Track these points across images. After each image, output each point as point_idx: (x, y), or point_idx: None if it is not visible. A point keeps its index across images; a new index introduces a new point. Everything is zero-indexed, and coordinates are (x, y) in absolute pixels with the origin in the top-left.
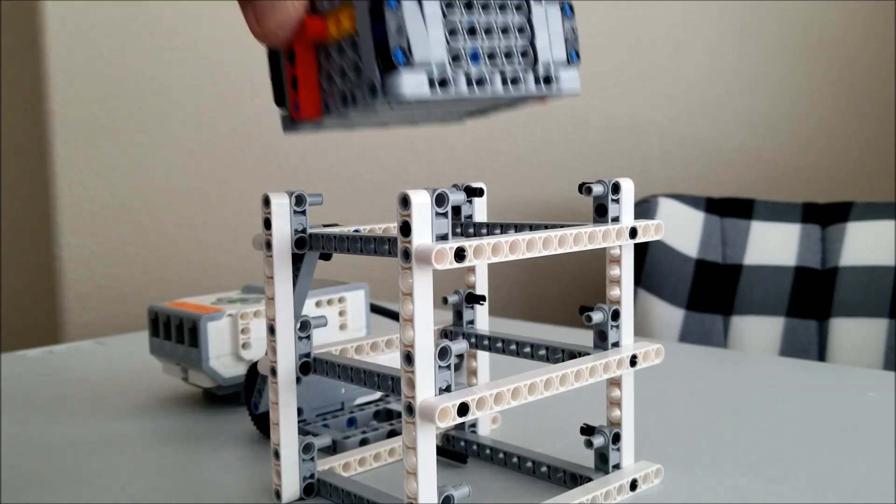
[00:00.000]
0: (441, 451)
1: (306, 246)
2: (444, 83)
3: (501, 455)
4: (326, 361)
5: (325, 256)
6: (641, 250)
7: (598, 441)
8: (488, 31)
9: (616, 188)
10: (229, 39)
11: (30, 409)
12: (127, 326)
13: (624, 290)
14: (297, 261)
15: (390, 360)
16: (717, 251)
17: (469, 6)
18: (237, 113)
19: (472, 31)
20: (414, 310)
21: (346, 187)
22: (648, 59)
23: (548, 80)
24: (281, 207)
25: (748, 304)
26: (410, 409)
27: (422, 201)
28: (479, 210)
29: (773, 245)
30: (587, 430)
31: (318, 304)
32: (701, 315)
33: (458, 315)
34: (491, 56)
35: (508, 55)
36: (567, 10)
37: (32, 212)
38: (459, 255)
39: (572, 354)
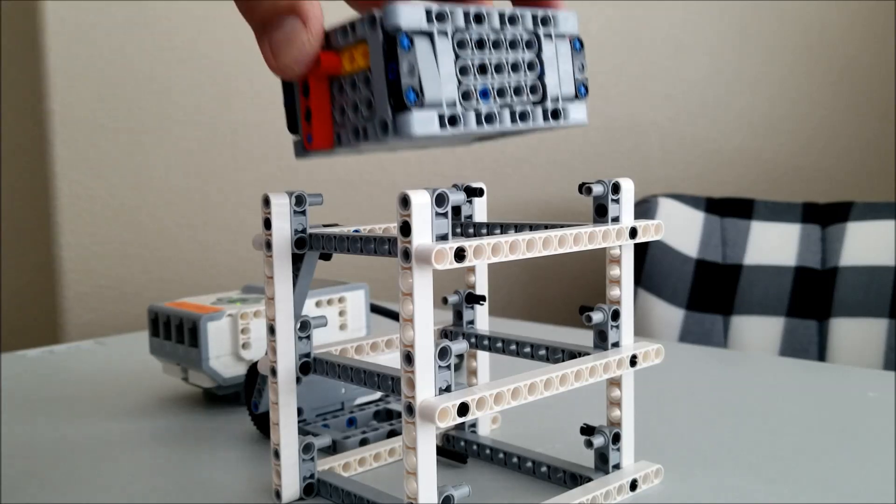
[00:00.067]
0: (441, 451)
1: (306, 246)
2: (453, 120)
3: (501, 455)
4: (326, 361)
5: (325, 256)
6: (641, 250)
7: (598, 441)
8: (498, 69)
9: (616, 188)
10: (229, 39)
11: (30, 409)
12: (127, 326)
13: (624, 290)
14: (297, 261)
15: (390, 360)
16: (717, 251)
17: (480, 44)
18: (237, 113)
19: (482, 69)
20: (414, 310)
21: (346, 187)
22: (648, 59)
23: (556, 114)
24: (281, 207)
25: (748, 304)
26: (410, 409)
27: (422, 201)
28: (479, 210)
29: (773, 245)
30: (587, 430)
31: (318, 304)
32: (701, 315)
33: (458, 315)
34: (500, 92)
35: (518, 91)
36: (577, 45)
37: (32, 212)
38: (459, 255)
39: (572, 354)
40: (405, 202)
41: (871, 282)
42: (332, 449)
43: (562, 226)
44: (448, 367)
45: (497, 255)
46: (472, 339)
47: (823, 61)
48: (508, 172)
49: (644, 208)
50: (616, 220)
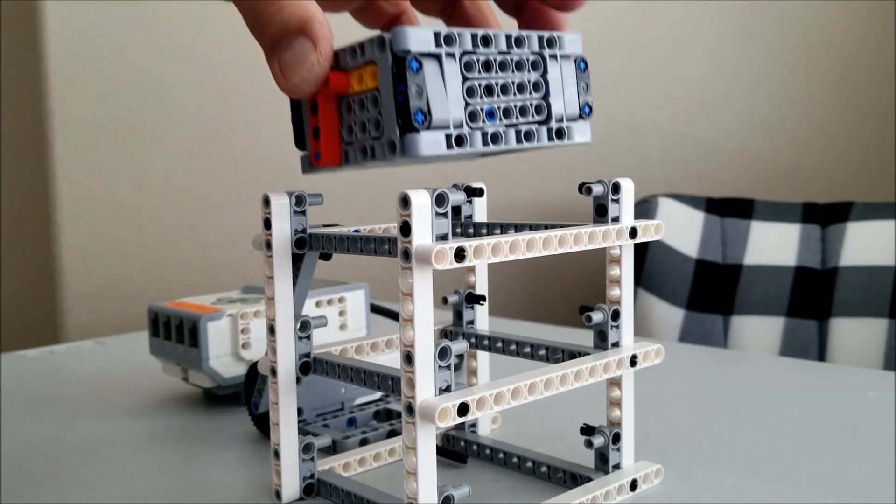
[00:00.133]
0: (441, 451)
1: (306, 246)
2: (460, 141)
3: (501, 455)
4: (326, 361)
5: (325, 256)
6: (641, 250)
7: (598, 441)
8: (505, 90)
9: (616, 188)
10: (229, 39)
11: (30, 409)
12: (127, 326)
13: (624, 290)
14: (297, 261)
15: (390, 360)
16: (717, 251)
17: (487, 66)
18: (237, 113)
19: (489, 90)
20: (414, 310)
21: (346, 187)
22: (648, 59)
23: (560, 133)
24: (281, 207)
25: (748, 304)
26: (410, 409)
27: (422, 201)
28: (479, 210)
29: (773, 245)
30: (587, 430)
31: (318, 304)
32: (701, 315)
33: (458, 315)
34: (506, 113)
35: (523, 111)
36: (581, 66)
37: (32, 212)
38: (459, 255)
39: (572, 354)
40: (405, 202)
41: (871, 282)
42: (332, 449)
43: (562, 226)
44: (448, 367)
45: (497, 255)
46: (472, 339)
47: (823, 61)
48: (508, 172)
49: (644, 208)
50: (616, 220)
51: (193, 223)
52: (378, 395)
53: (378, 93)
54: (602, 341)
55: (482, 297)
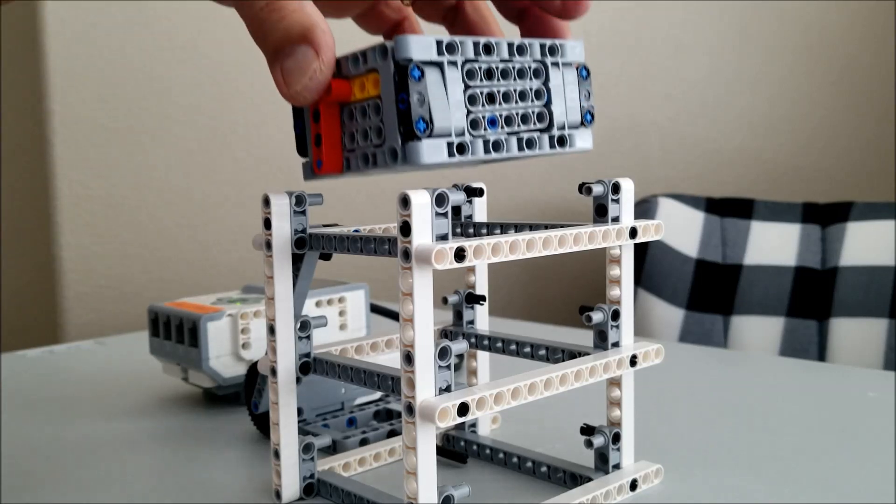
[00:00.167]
0: (441, 451)
1: (306, 246)
2: (462, 149)
3: (501, 455)
4: (326, 361)
5: (325, 256)
6: (641, 250)
7: (598, 441)
8: (506, 97)
9: (616, 188)
10: (229, 39)
11: (30, 409)
12: (127, 326)
13: (624, 290)
14: (297, 261)
15: (390, 360)
16: (717, 251)
17: (489, 74)
18: (237, 113)
19: (491, 98)
20: (414, 310)
21: (346, 187)
22: (648, 59)
23: (562, 141)
24: (281, 207)
25: (748, 304)
26: (410, 409)
27: (422, 201)
28: (479, 210)
29: (773, 245)
30: (587, 430)
31: (318, 304)
32: (701, 315)
33: (458, 315)
34: (508, 120)
35: (525, 119)
36: (583, 73)
37: (32, 212)
38: (459, 255)
39: (572, 354)
40: (405, 202)
41: (871, 282)
42: (332, 449)
43: (562, 226)
44: (448, 367)
45: (497, 255)
46: (472, 339)
47: (823, 61)
48: (508, 173)
49: (644, 208)
50: (616, 220)
51: (193, 223)
52: (378, 395)
53: (380, 100)
54: (602, 341)
55: (482, 297)
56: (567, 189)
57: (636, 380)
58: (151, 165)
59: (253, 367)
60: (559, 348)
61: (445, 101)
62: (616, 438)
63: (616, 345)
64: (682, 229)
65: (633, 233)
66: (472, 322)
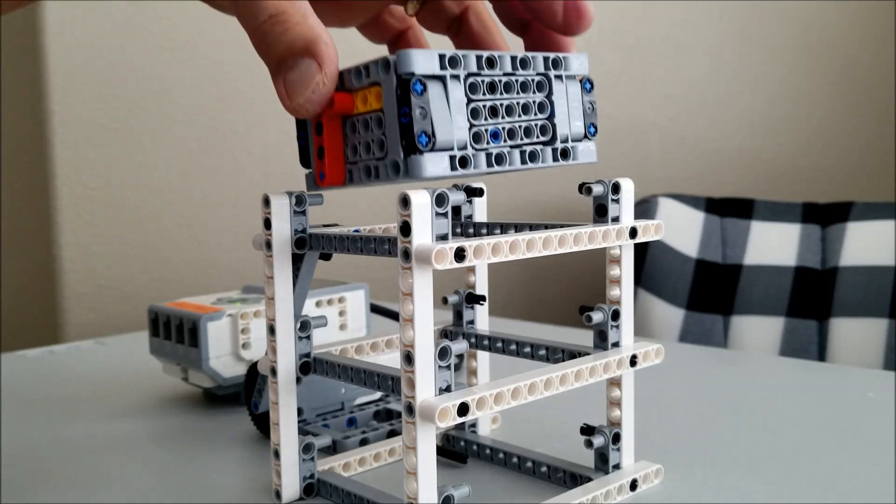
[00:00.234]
0: (441, 451)
1: (306, 246)
2: (464, 162)
3: (501, 455)
4: (326, 361)
5: (325, 256)
6: (641, 250)
7: (598, 441)
8: (509, 111)
9: (616, 188)
10: (229, 39)
11: (30, 409)
12: (127, 326)
13: (624, 290)
14: (297, 261)
15: (390, 360)
16: (717, 251)
17: (492, 88)
18: (237, 113)
19: (493, 112)
20: (414, 310)
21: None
22: (648, 59)
23: (565, 153)
24: (281, 207)
25: (748, 304)
26: (410, 409)
27: (422, 201)
28: (479, 210)
29: (773, 245)
30: (587, 430)
31: (318, 304)
32: (701, 315)
33: (458, 315)
34: (511, 134)
35: (528, 132)
36: (587, 86)
37: (32, 212)
38: (459, 255)
39: (572, 354)
40: (405, 202)
41: (871, 282)
42: (332, 449)
43: (562, 226)
44: (448, 367)
45: (497, 255)
46: (472, 339)
47: (823, 61)
48: (508, 173)
49: (644, 208)
50: (616, 220)
51: (193, 223)
52: (378, 395)
53: (382, 114)
54: (602, 341)
55: (482, 297)
56: (567, 189)
57: (636, 380)
58: (151, 165)
59: (253, 367)
60: (559, 348)
61: (448, 115)
62: (616, 438)
63: (616, 345)
64: (682, 229)
65: (633, 233)
66: (472, 322)
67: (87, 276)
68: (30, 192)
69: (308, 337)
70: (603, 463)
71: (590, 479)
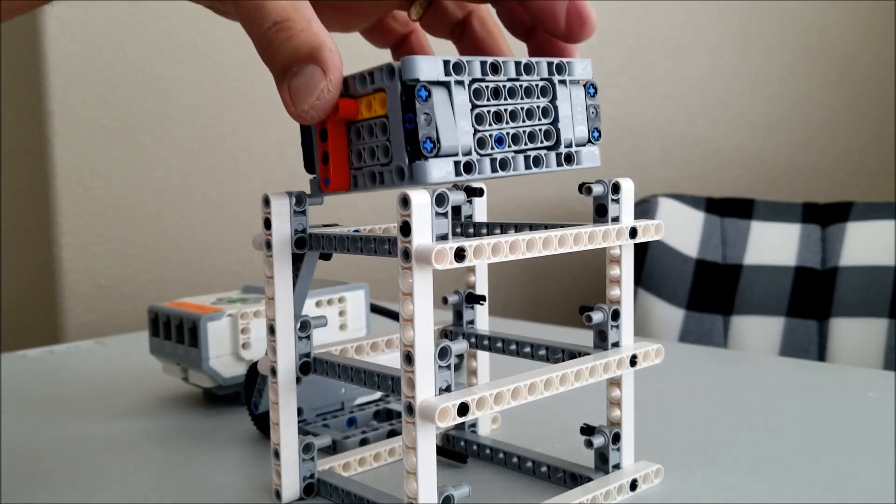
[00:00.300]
0: (441, 451)
1: (306, 246)
2: (469, 168)
3: (501, 455)
4: (326, 361)
5: (325, 256)
6: (641, 250)
7: (598, 441)
8: (514, 116)
9: (616, 188)
10: (229, 39)
11: (30, 409)
12: (127, 326)
13: (624, 290)
14: (297, 261)
15: (390, 360)
16: (717, 251)
17: (496, 93)
18: (237, 113)
19: (498, 117)
20: (414, 310)
21: None
22: (648, 59)
23: (569, 158)
24: (281, 207)
25: (748, 304)
26: (410, 409)
27: (422, 201)
28: (479, 210)
29: (773, 245)
30: (587, 430)
31: (318, 304)
32: (701, 315)
33: (458, 315)
34: (515, 139)
35: (532, 137)
36: (590, 91)
37: (32, 212)
38: (459, 255)
39: (572, 354)
40: (405, 202)
41: (871, 282)
42: (332, 449)
43: (562, 226)
44: (448, 367)
45: (497, 255)
46: (472, 339)
47: (823, 61)
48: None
49: (644, 208)
50: (616, 220)
51: (193, 223)
52: (378, 395)
53: (387, 120)
54: (602, 341)
55: (482, 297)
56: (567, 189)
57: (636, 380)
58: (151, 165)
59: (253, 367)
60: (559, 348)
61: (452, 121)
62: (616, 438)
63: (616, 345)
64: (682, 229)
65: (633, 233)
66: (472, 322)
67: (87, 276)
68: (30, 192)
69: (308, 337)
70: (603, 463)
71: (590, 479)
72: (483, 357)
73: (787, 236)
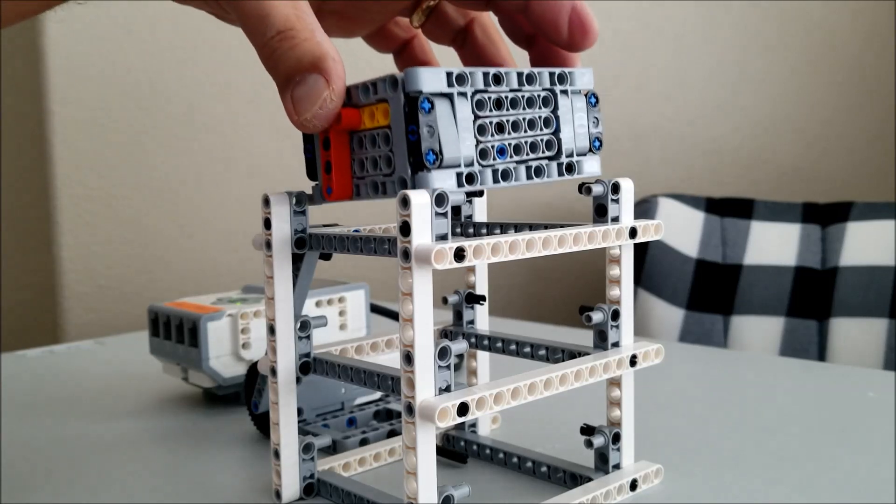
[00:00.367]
0: (441, 451)
1: (306, 246)
2: (471, 179)
3: (501, 455)
4: (326, 361)
5: (325, 256)
6: (641, 250)
7: (598, 441)
8: (515, 126)
9: (616, 188)
10: (229, 39)
11: (30, 409)
12: (127, 326)
13: (624, 290)
14: (297, 261)
15: (390, 360)
16: (717, 251)
17: (499, 104)
18: (237, 113)
19: (500, 128)
20: (414, 310)
21: None
22: (648, 60)
23: (570, 168)
24: (281, 207)
25: (748, 304)
26: (410, 409)
27: (421, 201)
28: (479, 210)
29: (773, 245)
30: (587, 430)
31: (318, 304)
32: (701, 315)
33: (458, 315)
34: (517, 149)
35: (534, 147)
36: (591, 100)
37: (32, 212)
38: (459, 255)
39: (572, 354)
40: (405, 202)
41: (871, 282)
42: (332, 449)
43: (562, 226)
44: (448, 367)
45: (497, 255)
46: (472, 339)
47: (825, 62)
48: None
49: (644, 208)
50: (616, 220)
51: (194, 223)
52: (378, 395)
53: (390, 130)
54: (602, 341)
55: (482, 297)
56: (567, 189)
57: (636, 380)
58: (151, 165)
59: (253, 367)
60: (559, 348)
61: (455, 133)
62: (616, 438)
63: (616, 345)
64: (682, 229)
65: (632, 233)
66: (472, 322)
67: (87, 276)
68: (30, 192)
69: (308, 337)
70: (603, 463)
71: (590, 479)
72: (483, 357)
73: (787, 236)
